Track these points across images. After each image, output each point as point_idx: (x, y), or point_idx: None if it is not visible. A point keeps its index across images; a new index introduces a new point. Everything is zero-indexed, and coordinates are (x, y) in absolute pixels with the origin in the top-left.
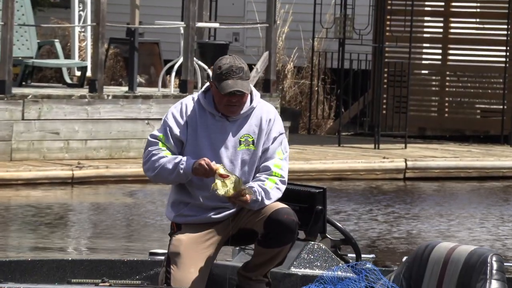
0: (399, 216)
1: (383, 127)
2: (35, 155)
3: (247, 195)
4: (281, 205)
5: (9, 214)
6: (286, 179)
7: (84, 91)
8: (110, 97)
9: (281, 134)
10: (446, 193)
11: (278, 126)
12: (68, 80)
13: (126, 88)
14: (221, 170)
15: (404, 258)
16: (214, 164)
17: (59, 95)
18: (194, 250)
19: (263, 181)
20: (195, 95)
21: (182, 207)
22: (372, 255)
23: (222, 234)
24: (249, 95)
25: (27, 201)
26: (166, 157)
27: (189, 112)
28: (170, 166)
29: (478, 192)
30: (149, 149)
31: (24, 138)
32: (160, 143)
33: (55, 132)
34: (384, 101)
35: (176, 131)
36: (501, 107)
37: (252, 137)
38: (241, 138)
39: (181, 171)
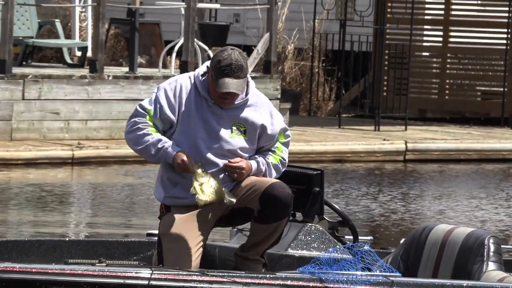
0: (398, 198)
1: (384, 109)
2: (35, 135)
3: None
4: (274, 180)
5: (9, 194)
6: (286, 162)
7: (85, 71)
8: (110, 78)
9: (280, 121)
10: (446, 175)
11: (276, 121)
12: (68, 60)
13: (126, 69)
14: (199, 172)
15: (402, 240)
16: (192, 165)
17: (60, 75)
18: (185, 230)
19: (266, 156)
20: (192, 74)
21: (171, 187)
22: (369, 237)
23: (214, 214)
24: (246, 87)
25: (27, 181)
26: (151, 137)
27: (184, 93)
28: (153, 150)
29: (478, 174)
30: (135, 119)
31: (24, 118)
32: (147, 117)
33: (56, 112)
34: (385, 83)
35: (166, 110)
36: (502, 89)
37: (244, 127)
38: (233, 126)
39: (162, 158)
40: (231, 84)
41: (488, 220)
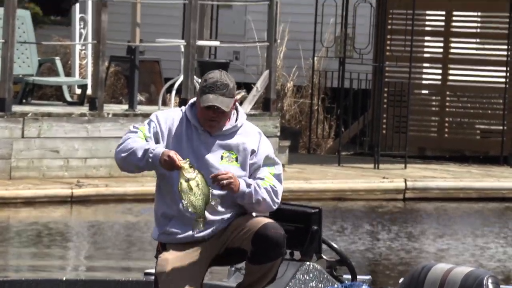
0: (397, 236)
1: (383, 147)
2: (34, 174)
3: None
4: (267, 219)
5: (8, 233)
6: (278, 192)
7: (84, 109)
8: (110, 115)
9: (270, 152)
10: (446, 214)
11: (264, 145)
12: (68, 98)
13: (126, 106)
14: (186, 167)
15: (401, 280)
16: (179, 161)
17: (59, 113)
18: (181, 268)
19: (256, 180)
20: (184, 107)
21: (165, 222)
22: (368, 276)
23: (209, 252)
24: (234, 113)
25: (27, 220)
26: (139, 142)
27: (175, 121)
28: (140, 152)
29: (477, 213)
30: (127, 134)
31: (24, 156)
32: (139, 132)
33: (55, 150)
34: (384, 120)
35: (158, 131)
36: (501, 127)
37: (235, 154)
38: (223, 153)
39: (150, 160)
40: (216, 98)
41: (488, 259)
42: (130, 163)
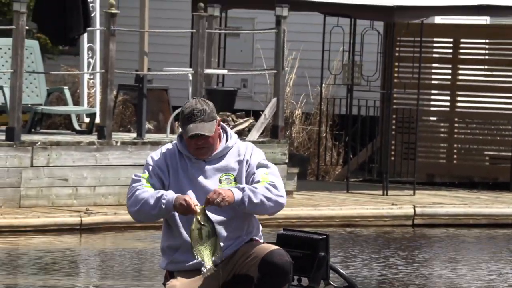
0: (407, 262)
1: (392, 173)
2: (43, 202)
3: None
4: (273, 247)
5: (17, 261)
6: (277, 185)
7: (93, 137)
8: (118, 144)
9: (263, 158)
10: (455, 240)
11: (256, 154)
12: (77, 127)
13: (134, 135)
14: (201, 213)
15: None
16: (195, 206)
17: (68, 141)
18: None
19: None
20: (174, 141)
21: (173, 252)
22: None
23: (217, 280)
24: (224, 135)
25: (36, 248)
26: (148, 192)
27: (169, 156)
28: (152, 201)
29: (487, 239)
30: (133, 185)
31: (33, 184)
32: (144, 180)
33: (64, 179)
34: (393, 147)
35: (158, 171)
36: (510, 154)
37: (233, 175)
38: (220, 177)
39: (163, 206)
40: (196, 127)
41: (498, 286)
42: (144, 214)
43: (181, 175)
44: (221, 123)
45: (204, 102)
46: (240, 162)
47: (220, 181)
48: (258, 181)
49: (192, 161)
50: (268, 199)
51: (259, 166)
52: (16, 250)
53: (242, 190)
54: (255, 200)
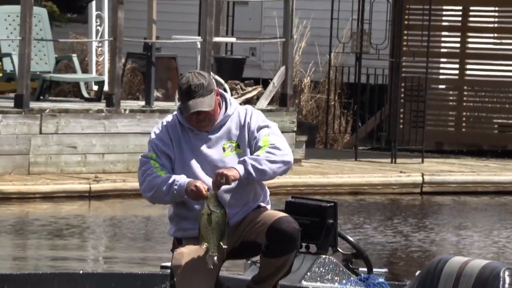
0: (414, 230)
1: (400, 141)
2: (52, 169)
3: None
4: (281, 213)
5: (26, 227)
6: (278, 145)
7: (102, 105)
8: (127, 111)
9: (263, 119)
10: (463, 208)
11: (256, 116)
12: (85, 95)
13: (143, 103)
14: (212, 199)
15: (417, 272)
16: (206, 191)
17: (77, 109)
18: (196, 262)
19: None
20: (175, 112)
21: (180, 220)
22: (384, 269)
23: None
24: (224, 103)
25: (45, 214)
26: (160, 177)
27: (171, 129)
28: (164, 187)
29: (495, 206)
30: (142, 168)
31: (41, 152)
32: (152, 161)
33: (73, 146)
34: (401, 115)
35: (163, 147)
36: None
37: (236, 142)
38: (224, 145)
39: (175, 192)
40: (195, 104)
41: (505, 252)
42: (158, 200)
43: (185, 147)
44: (220, 91)
45: (200, 76)
46: (241, 127)
47: (224, 150)
48: (260, 147)
49: (195, 132)
50: (273, 162)
51: (260, 128)
52: (25, 217)
53: (244, 162)
54: (261, 167)
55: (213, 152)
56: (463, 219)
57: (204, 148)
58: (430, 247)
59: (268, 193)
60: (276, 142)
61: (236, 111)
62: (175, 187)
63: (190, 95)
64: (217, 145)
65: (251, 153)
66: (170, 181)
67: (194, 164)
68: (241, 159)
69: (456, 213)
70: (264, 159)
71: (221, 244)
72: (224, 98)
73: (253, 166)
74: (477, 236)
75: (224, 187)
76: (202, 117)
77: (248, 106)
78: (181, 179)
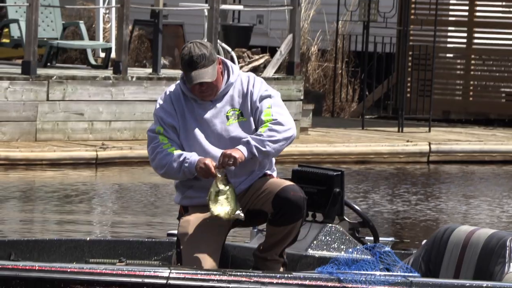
0: (421, 199)
1: (407, 110)
2: (59, 136)
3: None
4: (287, 182)
5: (33, 194)
6: (281, 120)
7: (108, 72)
8: (134, 79)
9: (265, 89)
10: (470, 177)
11: (258, 84)
12: (92, 62)
13: (150, 70)
14: (220, 177)
15: (424, 242)
16: (215, 169)
17: (84, 76)
18: (202, 229)
19: (257, 131)
20: (178, 81)
21: (186, 189)
22: (391, 238)
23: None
24: (226, 72)
25: (52, 181)
26: (171, 155)
27: (175, 100)
28: (175, 165)
29: (502, 175)
30: (152, 145)
31: (48, 118)
32: (159, 137)
33: (80, 113)
34: (408, 84)
35: (169, 119)
36: None
37: (239, 109)
38: (227, 113)
39: (186, 170)
40: (198, 75)
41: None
42: (170, 176)
43: (188, 117)
44: (222, 59)
45: (202, 46)
46: (243, 95)
47: (227, 118)
48: (262, 121)
49: (198, 102)
50: (276, 141)
51: (262, 98)
52: (32, 183)
53: (248, 144)
54: (264, 149)
55: (216, 121)
56: (470, 188)
57: (207, 116)
58: (436, 216)
59: (274, 160)
60: (278, 116)
61: (239, 78)
62: (186, 165)
63: (192, 66)
64: (220, 114)
65: (254, 123)
66: (181, 159)
67: (198, 133)
68: (245, 139)
69: (463, 182)
70: (267, 140)
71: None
72: (226, 66)
73: (256, 148)
74: (484, 205)
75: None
76: (205, 87)
77: (251, 74)
78: (192, 156)
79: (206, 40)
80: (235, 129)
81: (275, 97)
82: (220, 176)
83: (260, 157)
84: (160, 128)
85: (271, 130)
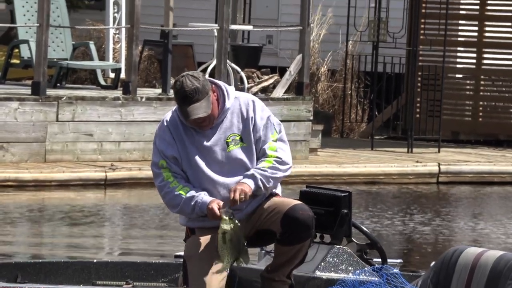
0: (430, 220)
1: (417, 131)
2: (69, 157)
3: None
4: (295, 201)
5: (42, 215)
6: (284, 159)
7: (118, 93)
8: (143, 99)
9: (268, 116)
10: (480, 198)
11: (260, 111)
12: (102, 82)
13: (159, 90)
14: (225, 218)
15: (432, 263)
16: (219, 211)
17: (93, 96)
18: (208, 250)
19: (259, 164)
20: (175, 108)
21: None
22: (399, 260)
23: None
24: (222, 97)
25: (61, 202)
26: (180, 196)
27: (173, 129)
28: (188, 208)
29: (511, 197)
30: (158, 184)
31: (58, 139)
32: (164, 173)
33: (89, 134)
34: (418, 104)
35: (170, 151)
36: None
37: (239, 135)
38: (227, 139)
39: (199, 212)
40: (192, 110)
41: None
42: (185, 215)
43: (189, 145)
44: (216, 83)
45: (194, 79)
46: (243, 120)
47: (227, 144)
48: (266, 154)
49: (197, 130)
50: (277, 179)
51: (266, 127)
52: (41, 204)
53: (254, 177)
54: (268, 185)
55: (217, 148)
56: (479, 210)
57: (207, 144)
58: (445, 238)
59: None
60: (282, 154)
61: (237, 102)
62: (197, 208)
63: (186, 101)
64: (220, 140)
65: (256, 151)
66: (192, 202)
67: (200, 162)
68: (251, 173)
69: (472, 204)
70: (271, 176)
71: (237, 261)
72: (221, 91)
73: (262, 182)
74: (493, 227)
75: (237, 178)
76: (201, 120)
77: (250, 97)
78: (202, 198)
79: (216, 61)
80: (236, 155)
81: (281, 132)
82: (224, 217)
83: (264, 191)
84: (163, 162)
85: (275, 168)
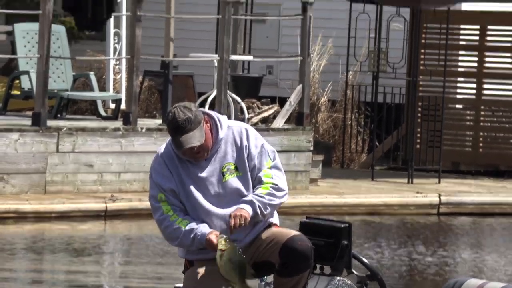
0: (431, 251)
1: (417, 161)
2: (69, 188)
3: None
4: (294, 232)
5: (43, 246)
6: (280, 186)
7: (118, 123)
8: (144, 130)
9: (262, 144)
10: (481, 229)
11: (253, 139)
12: (102, 113)
13: (160, 121)
14: (221, 245)
15: None
16: (215, 239)
17: (94, 127)
18: (207, 282)
19: (255, 191)
20: (168, 141)
21: None
22: None
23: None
24: (215, 127)
25: (61, 233)
26: (180, 229)
27: (168, 161)
28: (187, 241)
29: None
30: (158, 218)
31: (58, 170)
32: (163, 207)
33: (89, 165)
34: (418, 135)
35: (167, 184)
36: None
37: (234, 164)
38: (222, 169)
39: (198, 244)
40: (185, 140)
41: None
42: (184, 248)
43: (185, 177)
44: (208, 114)
45: (186, 109)
46: (238, 149)
47: (223, 174)
48: (262, 181)
49: (191, 162)
50: (274, 205)
51: (260, 154)
52: (42, 236)
53: (252, 203)
54: (265, 212)
55: (213, 179)
56: (480, 241)
57: (203, 176)
58: (446, 269)
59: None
60: (278, 181)
61: (230, 131)
62: (197, 240)
63: (178, 131)
64: (216, 171)
65: (252, 179)
66: (192, 235)
67: (197, 194)
68: (248, 199)
69: (473, 235)
70: (268, 203)
71: (246, 283)
72: (214, 122)
73: (260, 208)
74: (494, 258)
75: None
76: (196, 150)
77: (243, 125)
78: (201, 231)
79: (216, 91)
80: (232, 185)
81: (275, 159)
82: (220, 242)
83: (261, 217)
84: (161, 195)
85: (271, 194)
